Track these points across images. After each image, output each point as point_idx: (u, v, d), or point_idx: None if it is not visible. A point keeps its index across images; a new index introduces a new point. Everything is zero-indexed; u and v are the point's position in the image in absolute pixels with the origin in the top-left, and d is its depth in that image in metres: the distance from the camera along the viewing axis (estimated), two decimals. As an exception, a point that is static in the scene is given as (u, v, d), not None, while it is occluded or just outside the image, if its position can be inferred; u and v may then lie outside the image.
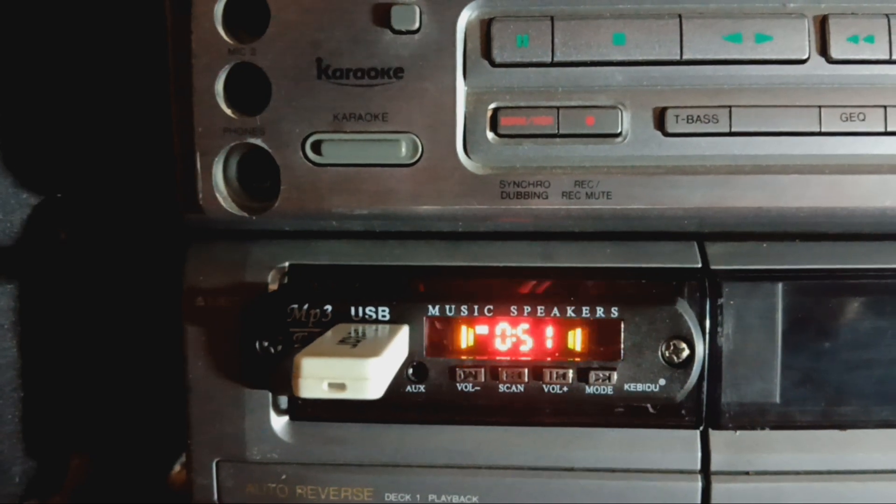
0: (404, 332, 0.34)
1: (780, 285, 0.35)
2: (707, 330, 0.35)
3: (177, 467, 0.56)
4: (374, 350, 0.28)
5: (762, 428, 0.36)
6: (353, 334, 0.31)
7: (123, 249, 0.43)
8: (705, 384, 0.35)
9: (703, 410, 0.35)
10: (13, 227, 0.40)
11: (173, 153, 0.35)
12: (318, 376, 0.26)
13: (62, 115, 0.41)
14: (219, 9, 0.34)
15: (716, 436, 0.35)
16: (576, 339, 0.35)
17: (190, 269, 0.37)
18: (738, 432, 0.36)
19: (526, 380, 0.34)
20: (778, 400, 0.36)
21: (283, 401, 0.36)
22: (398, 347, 0.32)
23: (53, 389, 0.43)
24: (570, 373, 0.34)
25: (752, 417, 0.35)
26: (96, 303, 0.43)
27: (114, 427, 0.47)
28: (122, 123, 0.42)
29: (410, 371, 0.35)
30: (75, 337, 0.43)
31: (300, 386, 0.27)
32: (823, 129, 0.33)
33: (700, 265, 0.35)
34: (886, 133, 0.33)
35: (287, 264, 0.36)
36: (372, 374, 0.27)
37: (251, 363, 0.35)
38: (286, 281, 0.36)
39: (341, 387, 0.26)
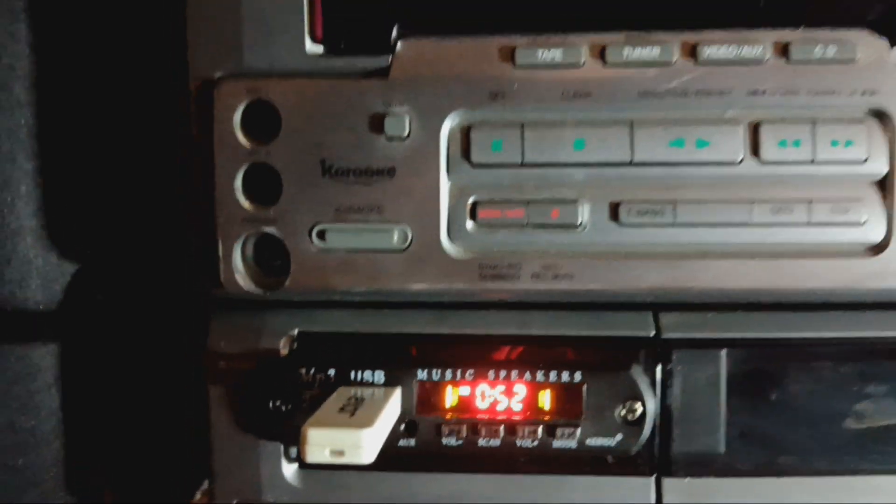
0: (397, 394, 0.39)
1: (723, 352, 0.40)
2: (658, 391, 0.40)
3: (198, 495, 0.62)
4: (369, 419, 0.34)
5: (709, 476, 0.41)
6: (352, 400, 0.37)
7: (153, 313, 0.49)
8: (657, 438, 0.40)
9: (656, 461, 0.40)
10: (55, 294, 0.46)
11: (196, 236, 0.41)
12: (321, 444, 0.32)
13: (102, 200, 0.47)
14: (237, 116, 0.39)
15: (668, 482, 0.41)
16: (545, 400, 0.40)
17: (213, 336, 0.42)
18: (688, 479, 0.41)
19: (502, 435, 0.40)
20: (722, 451, 0.41)
21: (293, 451, 0.42)
22: (391, 411, 0.37)
23: (90, 434, 0.48)
24: (540, 429, 0.40)
25: (700, 466, 0.41)
26: (129, 358, 0.49)
27: (142, 463, 0.52)
28: (152, 205, 0.48)
29: (403, 427, 0.40)
30: (110, 388, 0.48)
31: (307, 453, 0.32)
32: (755, 221, 0.38)
33: (653, 334, 0.41)
34: (810, 224, 0.38)
35: (296, 331, 0.42)
36: (365, 443, 0.32)
37: (265, 419, 0.41)
38: (295, 347, 0.42)
39: (340, 453, 0.32)
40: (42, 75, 0.43)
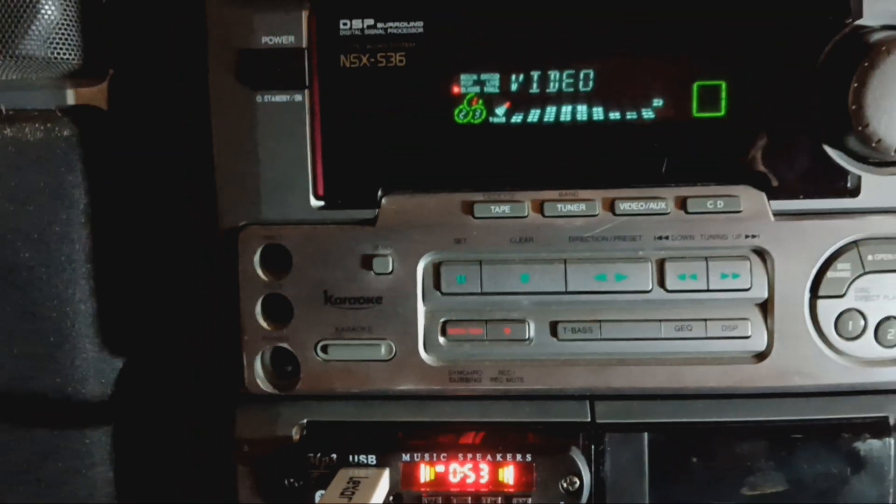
0: (386, 474, 0.50)
1: (645, 434, 0.51)
2: (593, 468, 0.51)
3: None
4: (364, 501, 0.44)
5: (637, 531, 0.51)
6: (350, 483, 0.47)
7: (188, 404, 0.60)
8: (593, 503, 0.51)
9: (594, 519, 0.51)
10: (108, 386, 0.57)
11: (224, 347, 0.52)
12: (326, 525, 0.42)
13: (145, 313, 0.57)
14: (257, 256, 0.50)
15: (604, 539, 0.51)
16: (504, 475, 0.51)
17: (238, 425, 0.53)
18: (620, 535, 0.51)
19: (469, 503, 0.51)
20: (648, 505, 0.51)
21: (305, 517, 0.53)
22: (381, 490, 0.48)
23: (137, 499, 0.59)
24: (500, 499, 0.50)
25: (629, 522, 0.51)
26: (170, 438, 0.59)
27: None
28: (188, 317, 0.58)
29: (392, 499, 0.51)
30: (154, 462, 0.59)
31: (316, 529, 0.43)
32: (663, 336, 0.49)
33: (589, 419, 0.51)
34: (706, 338, 0.49)
35: (305, 421, 0.53)
36: (360, 526, 0.43)
37: (282, 492, 0.51)
38: (305, 434, 0.52)
39: (342, 533, 0.42)
40: (94, 221, 0.54)
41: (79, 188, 0.54)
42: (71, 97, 0.55)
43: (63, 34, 0.53)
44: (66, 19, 0.53)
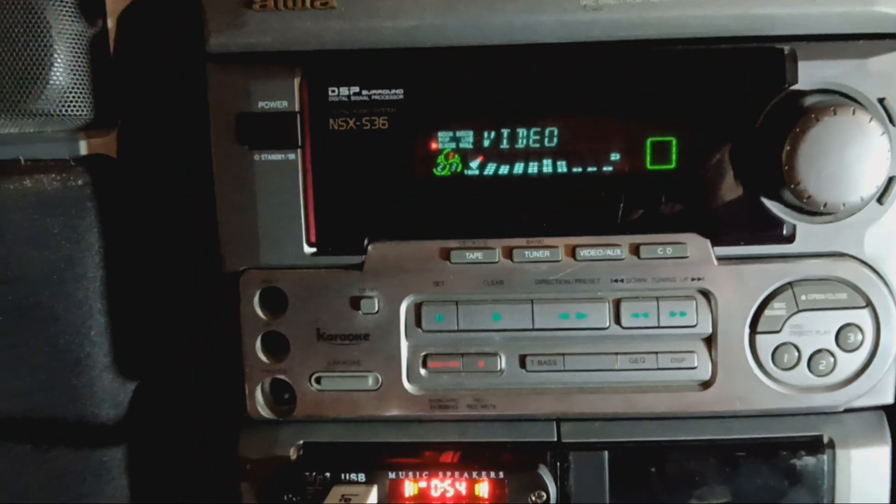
0: (374, 490, 0.56)
1: (606, 452, 0.57)
2: (559, 483, 0.57)
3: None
4: None
5: (598, 538, 0.58)
6: (342, 500, 0.54)
7: (195, 426, 0.66)
8: (559, 515, 0.57)
9: (559, 531, 0.57)
10: (122, 409, 0.63)
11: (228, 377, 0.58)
12: (322, 540, 0.49)
13: (155, 343, 0.63)
14: (256, 298, 0.56)
15: (569, 545, 0.58)
16: (479, 490, 0.57)
17: (241, 446, 0.59)
18: (583, 543, 0.58)
19: (449, 516, 0.57)
20: (608, 518, 0.58)
21: (302, 528, 0.59)
22: (370, 504, 0.54)
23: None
24: (476, 512, 0.57)
25: (592, 530, 0.58)
26: (178, 456, 0.65)
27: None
28: (193, 348, 0.64)
29: (379, 511, 0.57)
30: (166, 477, 0.65)
31: (312, 542, 0.49)
32: (619, 367, 0.55)
33: (556, 439, 0.58)
34: (657, 369, 0.55)
35: (302, 442, 0.59)
36: (351, 541, 0.49)
37: (282, 506, 0.58)
38: (302, 454, 0.58)
39: (335, 547, 0.49)
40: (107, 261, 0.59)
41: (92, 232, 0.59)
42: (83, 147, 0.61)
43: (74, 92, 0.58)
44: (76, 79, 0.58)
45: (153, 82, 0.60)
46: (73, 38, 0.57)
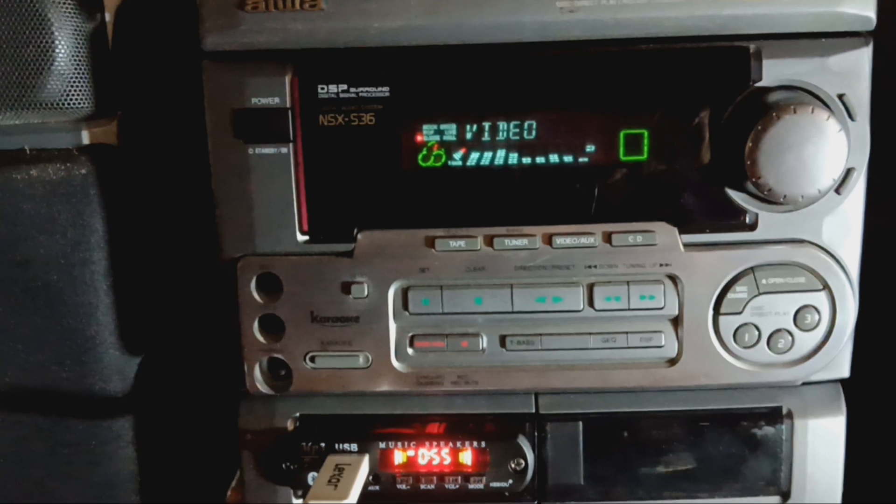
0: (366, 459, 0.61)
1: (580, 422, 0.62)
2: (536, 451, 0.61)
3: (229, 493, 0.84)
4: (346, 490, 0.55)
5: (573, 500, 0.63)
6: (337, 469, 0.58)
7: (199, 399, 0.70)
8: (537, 480, 0.62)
9: (537, 493, 0.62)
10: (129, 382, 0.67)
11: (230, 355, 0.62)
12: (317, 511, 0.53)
13: (160, 320, 0.67)
14: (253, 283, 0.59)
15: (546, 506, 0.63)
16: (463, 458, 0.61)
17: (242, 417, 0.63)
18: (559, 503, 0.63)
19: (435, 482, 0.61)
20: (582, 483, 0.62)
21: (299, 492, 0.63)
22: (362, 474, 0.59)
23: (156, 473, 0.70)
24: (460, 478, 0.61)
25: (566, 494, 0.62)
26: (182, 423, 0.70)
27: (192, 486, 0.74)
28: (197, 324, 0.68)
29: (371, 479, 0.62)
30: (171, 442, 0.70)
31: (309, 514, 0.54)
32: (592, 346, 0.58)
33: (534, 411, 0.62)
34: (628, 347, 0.59)
35: (298, 414, 0.63)
36: (344, 509, 0.54)
37: (279, 473, 0.62)
38: (298, 425, 0.63)
39: (329, 515, 0.53)
40: (111, 245, 0.62)
41: (96, 217, 0.62)
42: (86, 137, 0.63)
43: (75, 84, 0.61)
44: (77, 72, 0.61)
45: (151, 74, 0.63)
46: (73, 33, 0.60)
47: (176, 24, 0.61)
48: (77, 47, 0.60)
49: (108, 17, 0.62)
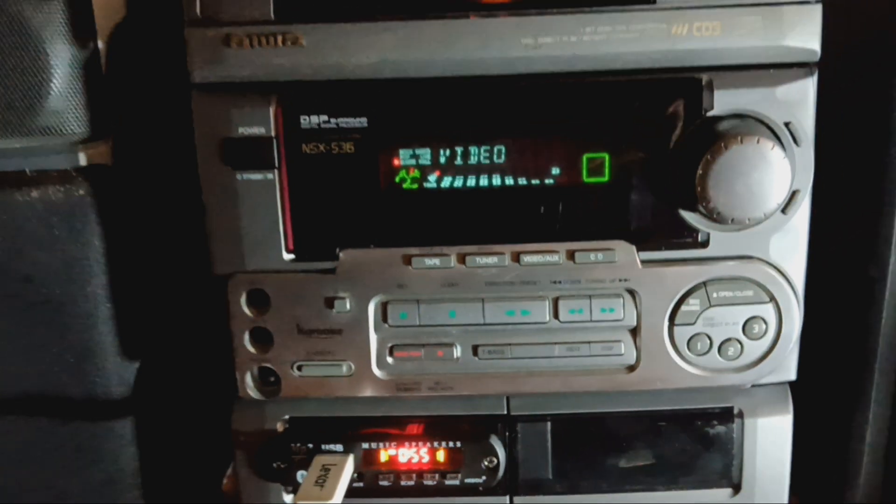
0: (350, 459, 0.66)
1: (548, 422, 0.67)
2: (508, 449, 0.66)
3: (225, 480, 0.89)
4: (331, 491, 0.60)
5: (542, 494, 0.68)
6: (323, 470, 0.63)
7: (194, 401, 0.75)
8: (508, 475, 0.67)
9: (508, 487, 0.67)
10: (128, 384, 0.71)
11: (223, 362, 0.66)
12: (305, 510, 0.58)
13: (157, 326, 0.72)
14: (244, 298, 0.64)
15: (517, 499, 0.68)
16: (439, 457, 0.66)
17: (235, 419, 0.68)
18: (529, 496, 0.68)
19: (415, 479, 0.67)
20: (550, 478, 0.68)
21: (289, 488, 0.69)
22: (347, 472, 0.64)
23: (156, 470, 0.75)
24: (437, 475, 0.66)
25: (536, 488, 0.67)
26: (180, 422, 0.75)
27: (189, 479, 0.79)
28: (191, 332, 0.73)
29: (356, 476, 0.67)
30: (169, 441, 0.75)
31: (298, 513, 0.59)
32: (557, 355, 0.63)
33: (506, 412, 0.67)
34: (590, 356, 0.64)
35: (287, 417, 0.68)
36: (329, 509, 0.59)
37: (270, 472, 0.67)
38: (287, 427, 0.68)
39: (317, 513, 0.58)
40: (109, 260, 0.66)
41: (95, 234, 0.66)
42: (82, 158, 0.67)
43: (71, 109, 0.65)
44: (73, 97, 0.65)
45: (143, 98, 0.67)
46: (69, 62, 0.64)
47: (167, 51, 0.65)
48: (72, 75, 0.64)
49: (101, 44, 0.66)
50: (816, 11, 0.58)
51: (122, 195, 0.68)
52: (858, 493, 0.70)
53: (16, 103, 0.64)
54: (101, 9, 0.64)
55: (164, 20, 0.63)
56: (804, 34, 0.58)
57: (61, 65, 0.64)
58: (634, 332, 0.63)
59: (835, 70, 0.60)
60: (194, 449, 0.78)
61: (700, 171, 0.57)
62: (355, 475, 0.66)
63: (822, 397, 0.70)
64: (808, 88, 0.59)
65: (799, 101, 0.59)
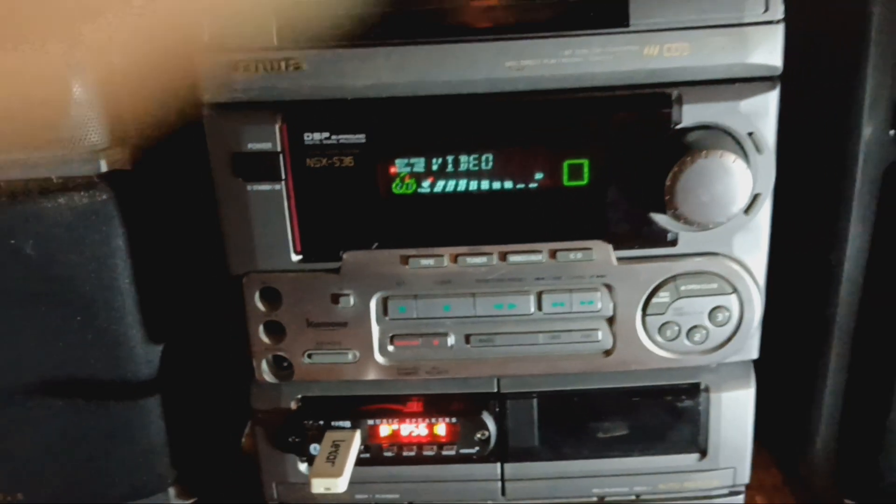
0: (358, 434, 0.74)
1: (535, 399, 0.75)
2: (498, 423, 0.74)
3: (243, 440, 0.97)
4: (341, 467, 0.68)
5: (529, 460, 0.76)
6: (334, 446, 0.71)
7: (216, 383, 0.82)
8: (499, 446, 0.75)
9: (499, 454, 0.76)
10: (154, 368, 0.79)
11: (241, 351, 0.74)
12: (318, 485, 0.66)
13: (181, 316, 0.79)
14: (257, 295, 0.71)
15: (507, 465, 0.76)
16: (438, 431, 0.74)
17: (253, 400, 0.76)
18: (518, 463, 0.76)
19: (415, 450, 0.75)
20: (537, 445, 0.76)
21: (304, 458, 0.77)
22: (355, 448, 0.72)
23: (184, 447, 0.83)
24: (435, 447, 0.74)
25: (524, 454, 0.75)
26: (203, 400, 0.83)
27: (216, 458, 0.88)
28: (213, 323, 0.80)
29: (363, 447, 0.75)
30: (195, 419, 0.83)
31: (313, 486, 0.67)
32: (541, 342, 0.70)
33: (496, 390, 0.75)
34: (571, 343, 0.71)
35: (300, 396, 0.76)
36: (339, 485, 0.67)
37: (287, 445, 0.75)
38: (301, 406, 0.75)
39: (329, 488, 0.66)
40: (133, 259, 0.73)
41: (118, 237, 0.73)
42: (104, 164, 0.73)
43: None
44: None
45: (160, 107, 0.72)
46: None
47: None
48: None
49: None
50: (779, 30, 0.63)
51: (142, 198, 0.74)
52: (818, 446, 0.79)
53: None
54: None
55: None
56: (767, 51, 0.63)
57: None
58: (611, 321, 0.70)
59: (800, 68, 0.65)
60: (215, 418, 0.86)
61: (668, 182, 0.62)
62: (362, 447, 0.74)
63: (788, 367, 0.77)
64: (770, 100, 0.64)
65: (761, 112, 0.64)
